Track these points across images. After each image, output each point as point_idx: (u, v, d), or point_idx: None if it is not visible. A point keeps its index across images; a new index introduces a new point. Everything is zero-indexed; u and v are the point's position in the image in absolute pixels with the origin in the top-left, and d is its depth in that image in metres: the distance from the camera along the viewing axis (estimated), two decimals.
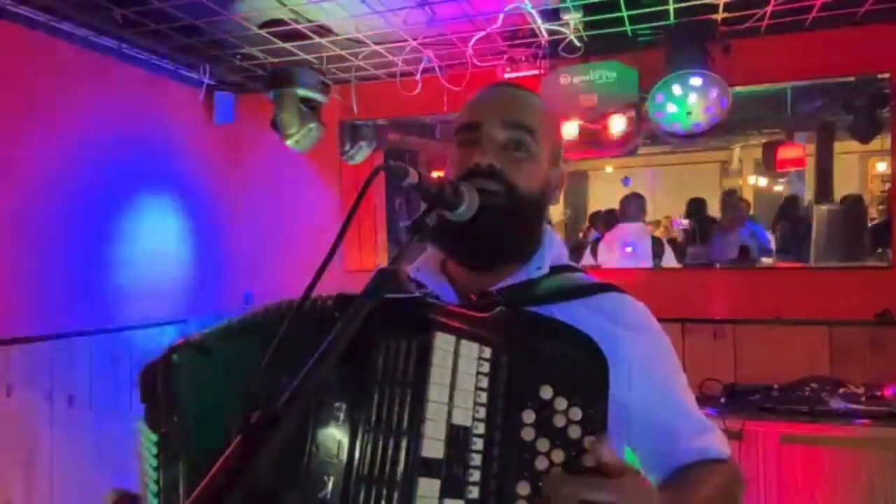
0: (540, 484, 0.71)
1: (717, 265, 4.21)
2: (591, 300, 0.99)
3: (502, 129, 0.99)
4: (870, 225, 4.04)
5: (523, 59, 3.38)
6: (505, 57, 3.40)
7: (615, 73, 3.19)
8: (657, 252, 4.03)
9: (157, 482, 0.83)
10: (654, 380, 0.97)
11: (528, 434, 0.72)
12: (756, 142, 5.62)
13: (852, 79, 3.23)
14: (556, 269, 1.03)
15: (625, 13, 2.91)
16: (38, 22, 2.88)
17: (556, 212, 5.35)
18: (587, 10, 2.89)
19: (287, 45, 3.28)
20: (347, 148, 3.88)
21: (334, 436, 0.71)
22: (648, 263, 3.98)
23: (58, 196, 3.02)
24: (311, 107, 3.53)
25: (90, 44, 3.14)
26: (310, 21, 3.00)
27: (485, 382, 0.73)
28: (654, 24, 3.06)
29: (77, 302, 3.08)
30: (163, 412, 0.84)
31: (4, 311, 2.75)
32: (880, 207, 4.38)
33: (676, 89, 2.97)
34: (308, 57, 3.44)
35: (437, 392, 0.71)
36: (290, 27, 3.05)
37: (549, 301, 0.96)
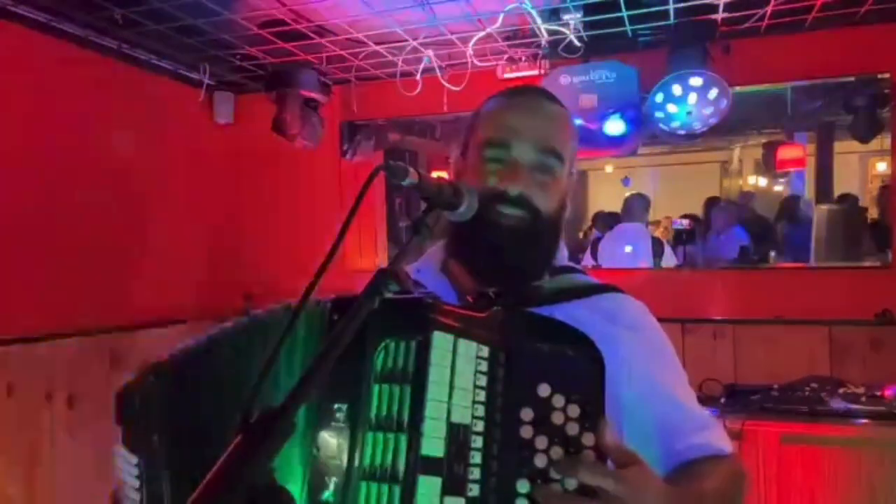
0: (539, 481, 0.71)
1: (714, 266, 4.21)
2: (591, 300, 1.00)
3: (534, 153, 0.98)
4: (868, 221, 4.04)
5: (523, 59, 3.39)
6: (505, 57, 3.40)
7: (615, 73, 3.19)
8: (657, 252, 4.04)
9: (140, 502, 0.83)
10: (654, 378, 0.97)
11: (526, 432, 0.73)
12: (756, 142, 5.62)
13: (852, 79, 3.23)
14: (556, 270, 1.04)
15: (625, 13, 2.91)
16: (38, 22, 2.88)
17: None
18: (587, 10, 2.89)
19: (287, 45, 3.28)
20: (347, 147, 3.88)
21: (335, 437, 0.71)
22: (648, 263, 3.98)
23: (58, 196, 3.02)
24: (311, 106, 3.54)
25: (90, 44, 3.14)
26: (310, 21, 3.00)
27: (483, 381, 0.74)
28: (654, 24, 3.06)
29: (77, 302, 3.07)
30: (142, 434, 0.85)
31: (4, 311, 2.75)
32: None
33: (676, 89, 2.97)
34: (308, 57, 3.44)
35: (436, 391, 0.71)
36: (290, 27, 3.06)
37: (549, 302, 0.96)
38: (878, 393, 2.72)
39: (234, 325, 0.87)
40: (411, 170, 0.78)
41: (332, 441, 0.71)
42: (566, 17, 2.92)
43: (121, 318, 3.28)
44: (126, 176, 3.40)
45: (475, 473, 0.71)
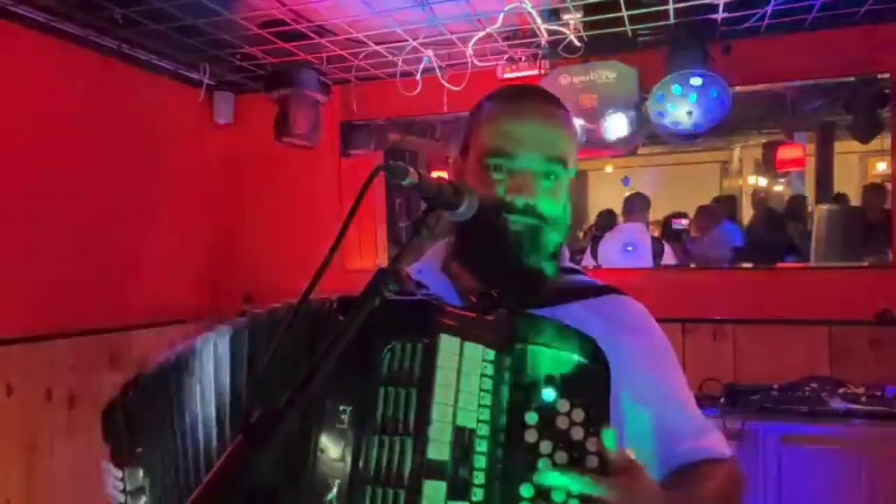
0: (543, 485, 0.71)
1: (714, 265, 4.21)
2: (592, 302, 1.00)
3: (541, 163, 0.97)
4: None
5: (523, 59, 3.38)
6: (505, 57, 3.40)
7: (615, 73, 3.19)
8: (657, 252, 4.03)
9: None
10: (654, 381, 0.97)
11: (531, 436, 0.73)
12: (756, 142, 5.62)
13: (852, 79, 3.23)
14: (558, 272, 1.04)
15: (625, 13, 2.91)
16: (38, 22, 2.88)
17: None
18: (587, 10, 2.89)
19: (287, 45, 3.28)
20: (347, 147, 3.89)
21: (339, 439, 0.71)
22: (648, 263, 3.98)
23: (57, 195, 3.02)
24: (311, 106, 3.54)
25: (90, 44, 3.14)
26: (310, 21, 3.00)
27: (488, 384, 0.74)
28: (654, 24, 3.06)
29: (77, 302, 3.07)
30: (125, 448, 0.85)
31: (4, 311, 2.75)
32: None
33: (676, 89, 2.97)
34: (308, 57, 3.43)
35: (442, 394, 0.71)
36: (290, 27, 3.05)
37: (551, 303, 0.96)
38: (878, 393, 2.72)
39: (253, 315, 0.87)
40: (411, 170, 0.78)
41: (336, 443, 0.71)
42: (566, 17, 2.92)
43: (121, 318, 3.28)
44: (126, 176, 3.40)
45: (479, 478, 0.71)
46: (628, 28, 3.09)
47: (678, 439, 0.95)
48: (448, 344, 0.73)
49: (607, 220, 5.24)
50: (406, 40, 3.22)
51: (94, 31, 3.07)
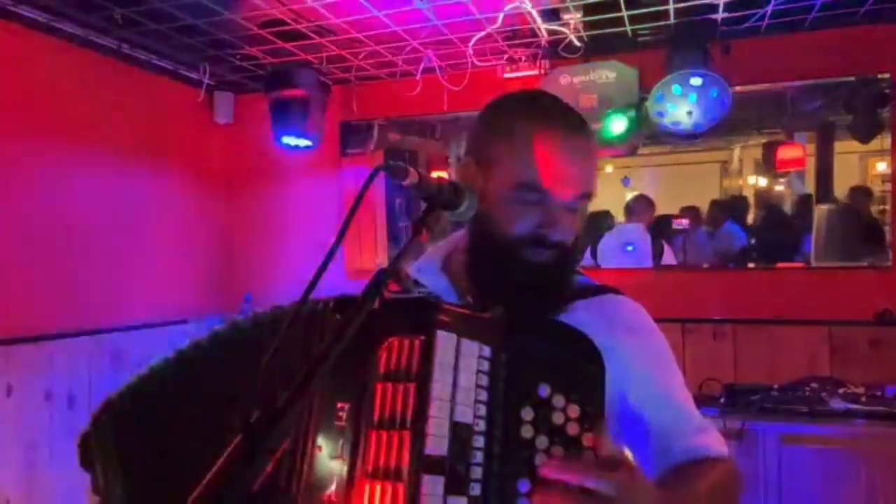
0: (539, 480, 0.71)
1: (714, 265, 4.21)
2: (590, 302, 1.00)
3: (572, 200, 0.95)
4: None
5: (523, 59, 3.39)
6: (505, 57, 3.40)
7: (615, 73, 3.19)
8: (657, 252, 4.03)
9: None
10: (651, 380, 0.97)
11: (527, 431, 0.73)
12: (756, 142, 5.61)
13: (852, 79, 3.23)
14: None
15: (625, 13, 2.91)
16: (38, 22, 2.88)
17: None
18: (587, 10, 2.89)
19: (287, 45, 3.28)
20: (347, 147, 3.89)
21: (337, 435, 0.71)
22: (648, 263, 3.98)
23: (57, 196, 3.02)
24: (311, 106, 3.54)
25: (90, 44, 3.14)
26: (310, 21, 3.00)
27: (485, 381, 0.74)
28: (654, 24, 3.06)
29: (77, 301, 3.07)
30: (101, 476, 0.85)
31: (4, 311, 2.75)
32: (880, 207, 4.37)
33: (676, 89, 2.97)
34: (308, 57, 3.44)
35: (440, 390, 0.71)
36: (290, 27, 3.05)
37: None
38: (878, 393, 2.72)
39: (211, 336, 0.87)
40: (411, 170, 0.78)
41: (334, 440, 0.71)
42: (566, 17, 2.93)
43: (121, 318, 3.28)
44: (126, 176, 3.40)
45: (477, 473, 0.71)
46: (628, 28, 3.09)
47: (675, 438, 0.95)
48: (445, 341, 0.73)
49: (602, 222, 5.21)
50: (406, 40, 3.22)
51: (94, 31, 3.07)
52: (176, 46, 3.31)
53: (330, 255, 0.71)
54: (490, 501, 0.71)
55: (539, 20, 2.94)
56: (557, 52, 3.23)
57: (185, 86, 3.72)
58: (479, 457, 0.72)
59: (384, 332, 0.73)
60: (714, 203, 5.12)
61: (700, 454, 0.95)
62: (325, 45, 3.29)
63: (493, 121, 1.00)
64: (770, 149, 4.96)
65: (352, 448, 0.71)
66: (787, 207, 5.37)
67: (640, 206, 4.31)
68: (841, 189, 4.58)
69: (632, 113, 3.19)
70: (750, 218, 5.39)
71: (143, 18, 2.95)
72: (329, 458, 0.71)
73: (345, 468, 0.70)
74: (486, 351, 0.75)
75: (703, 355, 3.16)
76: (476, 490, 0.71)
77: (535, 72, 3.38)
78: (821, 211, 3.90)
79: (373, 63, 3.55)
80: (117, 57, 3.28)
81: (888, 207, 3.35)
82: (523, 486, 0.71)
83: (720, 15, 2.93)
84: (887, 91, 3.12)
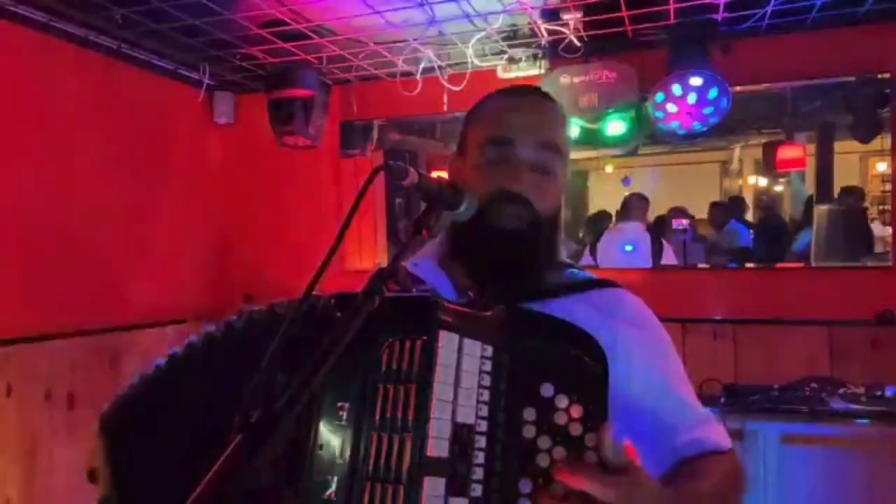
0: (541, 481, 0.71)
1: (714, 266, 4.20)
2: (588, 295, 1.00)
3: (535, 149, 0.98)
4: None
5: (523, 59, 3.39)
6: (505, 57, 3.40)
7: (615, 73, 3.19)
8: (657, 251, 4.03)
9: None
10: (652, 373, 0.97)
11: (529, 432, 0.73)
12: (756, 142, 5.61)
13: (852, 79, 3.22)
14: (554, 266, 1.04)
15: (625, 13, 2.91)
16: (38, 22, 2.88)
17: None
18: (587, 10, 2.89)
19: (287, 45, 3.28)
20: (347, 147, 3.89)
21: (338, 435, 0.71)
22: (648, 263, 3.97)
23: (57, 196, 3.02)
24: (311, 106, 3.54)
25: (90, 44, 3.14)
26: (310, 21, 3.00)
27: (487, 381, 0.74)
28: (654, 24, 3.06)
29: (77, 302, 3.07)
30: (104, 482, 0.85)
31: (4, 311, 2.75)
32: (880, 207, 4.37)
33: (676, 89, 2.97)
34: (308, 57, 3.43)
35: (442, 390, 0.71)
36: (290, 27, 3.05)
37: (548, 297, 0.96)
38: (878, 393, 2.71)
39: (203, 340, 0.86)
40: (411, 170, 0.78)
41: (335, 440, 0.71)
42: (566, 17, 2.92)
43: (121, 318, 3.28)
44: (126, 176, 3.40)
45: (478, 474, 0.71)
46: (628, 28, 3.09)
47: (677, 431, 0.95)
48: (447, 340, 0.72)
49: (601, 223, 5.20)
50: (406, 40, 3.21)
51: (94, 31, 3.07)
52: (176, 46, 3.31)
53: (330, 255, 0.71)
54: (491, 502, 0.71)
55: (539, 20, 2.94)
56: (557, 52, 3.23)
57: (185, 86, 3.72)
58: (480, 457, 0.71)
59: (385, 332, 0.73)
60: (715, 204, 5.11)
61: (703, 448, 0.95)
62: (325, 45, 3.29)
63: (470, 111, 1.08)
64: (770, 149, 4.96)
65: (352, 449, 0.70)
66: (787, 207, 5.37)
67: (634, 205, 4.31)
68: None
69: (632, 113, 3.19)
70: (749, 217, 5.39)
71: (143, 18, 2.94)
72: (329, 458, 0.71)
73: (345, 468, 0.70)
74: (489, 350, 0.74)
75: (703, 355, 3.16)
76: (478, 491, 0.70)
77: (535, 72, 3.38)
78: (821, 211, 3.90)
79: (373, 63, 3.55)
80: (117, 57, 3.28)
81: (888, 207, 3.35)
82: (525, 486, 0.71)
83: (720, 15, 2.93)
84: (887, 91, 3.12)
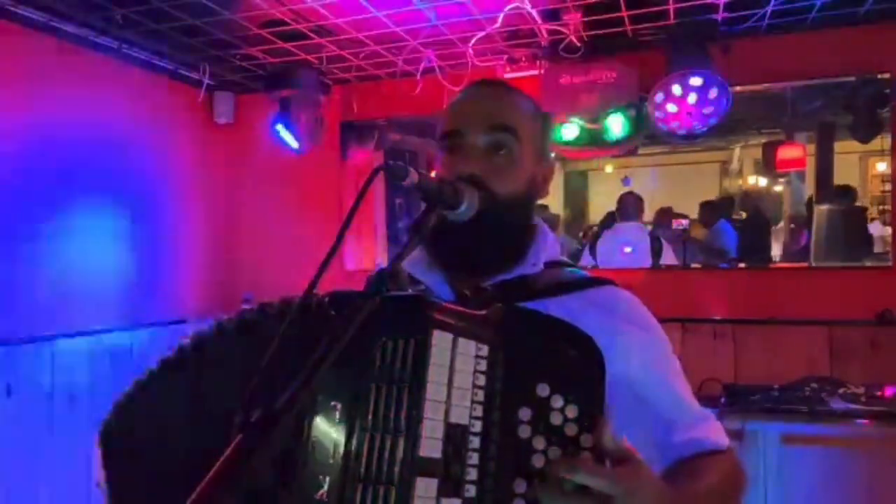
0: (536, 481, 0.70)
1: (714, 266, 4.20)
2: (586, 294, 1.00)
3: (483, 133, 0.99)
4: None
5: (523, 59, 3.39)
6: (505, 57, 3.40)
7: (615, 73, 3.19)
8: (656, 251, 4.03)
9: None
10: (650, 370, 0.97)
11: (524, 432, 0.72)
12: (756, 142, 5.60)
13: (852, 79, 3.22)
14: (550, 265, 1.04)
15: (625, 13, 2.91)
16: (38, 22, 2.88)
17: (557, 208, 5.36)
18: (587, 10, 2.89)
19: (287, 45, 3.28)
20: (347, 147, 3.89)
21: (331, 435, 0.70)
22: (648, 263, 3.97)
23: (60, 196, 3.02)
24: (311, 106, 3.54)
25: (90, 44, 3.14)
26: (310, 21, 3.00)
27: (482, 380, 0.73)
28: (653, 24, 3.06)
29: (78, 301, 3.07)
30: (105, 492, 0.84)
31: (4, 311, 2.75)
32: (880, 207, 4.37)
33: (676, 89, 2.97)
34: (308, 57, 3.43)
35: (434, 391, 0.71)
36: (290, 27, 3.05)
37: (544, 296, 0.96)
38: (878, 393, 2.71)
39: (194, 342, 0.86)
40: (411, 170, 0.78)
41: (327, 440, 0.71)
42: (566, 17, 2.92)
43: (120, 318, 3.28)
44: (126, 176, 3.40)
45: (472, 474, 0.70)
46: (628, 28, 3.09)
47: (676, 429, 0.95)
48: (441, 340, 0.72)
49: (603, 220, 5.21)
50: (406, 40, 3.22)
51: (94, 31, 3.07)
52: (176, 46, 3.31)
53: (330, 255, 0.71)
54: (486, 502, 0.70)
55: (539, 20, 2.94)
56: (557, 52, 3.23)
57: (185, 86, 3.72)
58: (474, 458, 0.71)
59: (379, 332, 0.72)
60: (705, 203, 5.10)
61: (703, 446, 0.95)
62: (325, 45, 3.29)
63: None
64: (770, 149, 4.96)
65: (345, 449, 0.70)
66: (787, 208, 5.37)
67: (628, 205, 4.31)
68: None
69: (632, 113, 3.19)
70: (736, 217, 5.39)
71: (143, 18, 2.94)
72: (321, 458, 0.70)
73: (337, 468, 0.69)
74: (484, 350, 0.74)
75: (703, 355, 3.16)
76: (471, 491, 0.70)
77: (535, 72, 3.38)
78: (821, 211, 3.90)
79: (373, 63, 3.55)
80: (117, 57, 3.28)
81: (888, 207, 3.35)
82: (520, 486, 0.71)
83: (720, 15, 2.93)
84: (887, 91, 3.12)
